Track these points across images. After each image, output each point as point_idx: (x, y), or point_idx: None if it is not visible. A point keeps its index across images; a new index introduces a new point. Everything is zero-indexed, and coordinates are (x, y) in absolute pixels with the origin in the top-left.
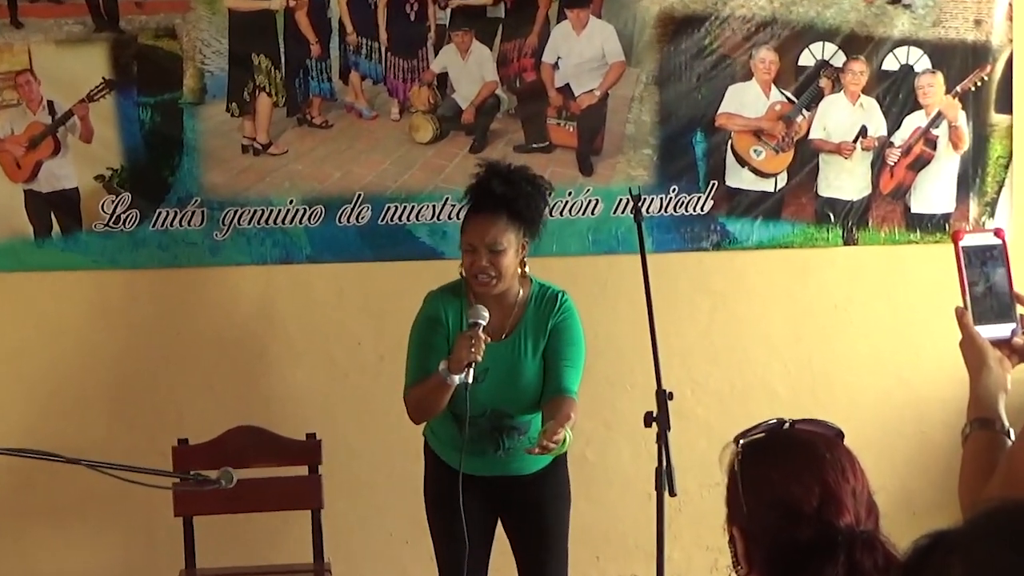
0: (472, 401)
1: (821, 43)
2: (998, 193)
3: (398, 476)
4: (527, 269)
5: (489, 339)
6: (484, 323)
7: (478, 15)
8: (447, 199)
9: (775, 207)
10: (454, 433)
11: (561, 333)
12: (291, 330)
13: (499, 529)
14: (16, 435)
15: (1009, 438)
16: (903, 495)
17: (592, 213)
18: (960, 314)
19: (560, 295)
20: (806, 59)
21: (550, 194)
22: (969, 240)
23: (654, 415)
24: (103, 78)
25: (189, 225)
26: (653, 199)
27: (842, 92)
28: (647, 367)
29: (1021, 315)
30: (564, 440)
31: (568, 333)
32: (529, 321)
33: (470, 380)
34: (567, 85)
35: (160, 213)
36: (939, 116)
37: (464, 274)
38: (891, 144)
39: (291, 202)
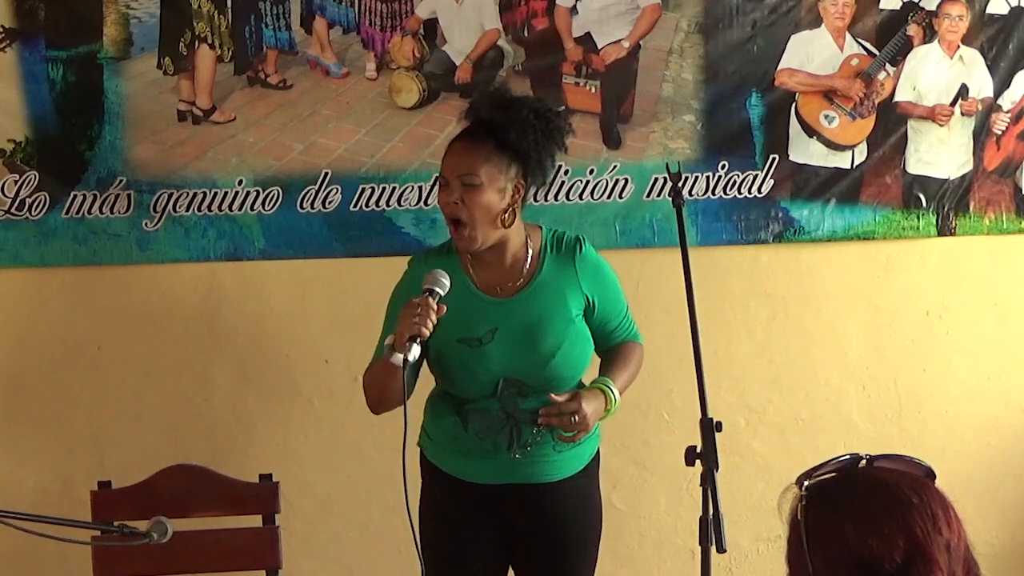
0: (479, 368)
1: None
2: None
3: (375, 529)
4: (519, 215)
5: (444, 309)
6: (442, 293)
7: None
8: (436, 179)
9: (852, 188)
10: (455, 430)
11: (601, 291)
12: (241, 344)
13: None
14: None
15: None
16: (1013, 550)
17: (620, 196)
18: None
19: (578, 241)
20: (889, 0)
21: (566, 136)
22: None
23: (698, 451)
24: (2, 27)
25: (112, 212)
26: (697, 178)
27: (936, 42)
28: (689, 390)
29: None
30: (609, 404)
31: (607, 289)
32: (548, 273)
33: (412, 358)
34: (588, 34)
35: (75, 197)
36: None
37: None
38: (998, 108)
39: (240, 183)
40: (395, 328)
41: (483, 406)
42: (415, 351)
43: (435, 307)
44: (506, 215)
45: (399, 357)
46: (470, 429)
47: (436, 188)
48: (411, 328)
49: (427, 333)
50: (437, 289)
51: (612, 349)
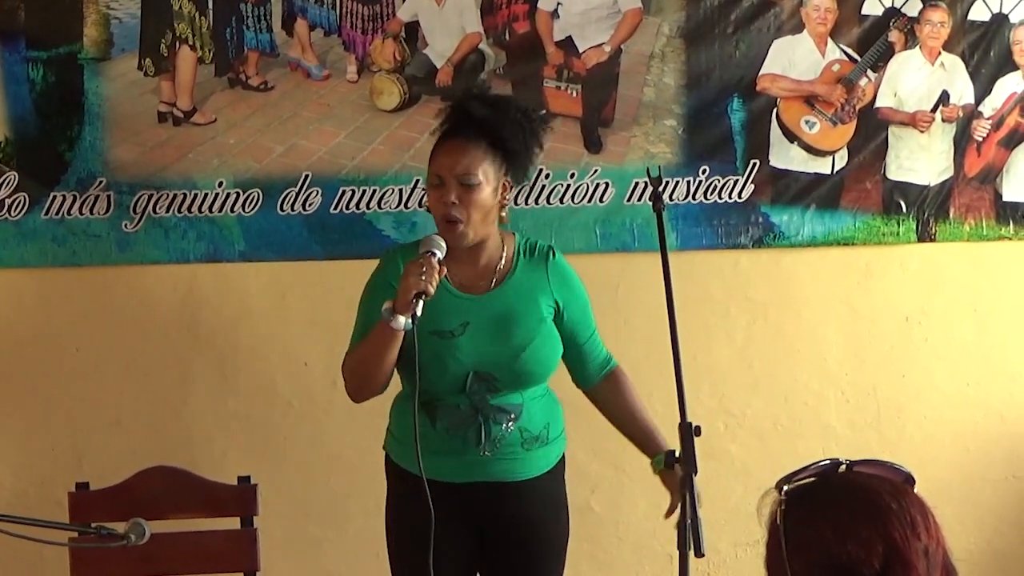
0: (451, 360)
1: None
2: None
3: (355, 532)
4: (505, 213)
5: (445, 270)
6: (440, 254)
7: None
8: (417, 181)
9: (832, 194)
10: (423, 428)
11: (571, 299)
12: (220, 346)
13: None
14: None
15: None
16: (991, 556)
17: (601, 200)
18: None
19: (550, 249)
20: (872, 6)
21: (544, 133)
22: None
23: (677, 455)
24: None
25: (92, 213)
26: (678, 183)
27: (917, 48)
28: (668, 395)
29: None
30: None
31: (577, 299)
32: (521, 275)
33: (418, 314)
34: (569, 38)
35: (55, 198)
36: None
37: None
38: (979, 114)
39: (220, 184)
40: (397, 290)
41: (451, 402)
42: (420, 307)
43: (437, 267)
44: (495, 212)
45: (401, 320)
46: (439, 426)
47: (417, 190)
48: (418, 284)
49: (432, 291)
50: (436, 251)
51: (620, 401)
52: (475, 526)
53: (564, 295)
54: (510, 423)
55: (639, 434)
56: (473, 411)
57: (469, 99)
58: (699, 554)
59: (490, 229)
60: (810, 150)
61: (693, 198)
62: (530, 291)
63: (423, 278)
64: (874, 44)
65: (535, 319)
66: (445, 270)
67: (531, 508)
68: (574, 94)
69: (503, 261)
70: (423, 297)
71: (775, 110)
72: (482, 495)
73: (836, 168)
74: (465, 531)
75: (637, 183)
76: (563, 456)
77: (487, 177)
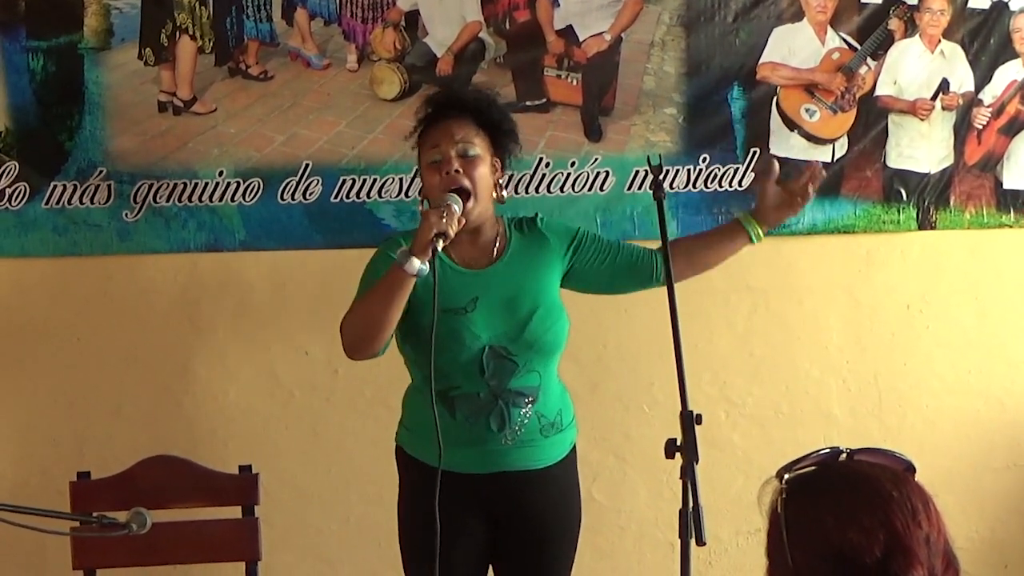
0: (467, 334)
1: None
2: None
3: (356, 521)
4: (506, 193)
5: (464, 220)
6: (458, 209)
7: None
8: (417, 170)
9: (833, 182)
10: (442, 421)
11: (577, 235)
12: (221, 336)
13: None
14: None
15: None
16: (993, 545)
17: (601, 189)
18: None
19: (535, 215)
20: None
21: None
22: None
23: (678, 444)
24: None
25: (92, 203)
26: (678, 171)
27: (917, 36)
28: (669, 383)
29: None
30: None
31: (587, 235)
32: (518, 248)
33: (438, 249)
34: (569, 27)
35: (55, 187)
36: None
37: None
38: (979, 102)
39: (221, 174)
40: (414, 238)
41: (469, 391)
42: (439, 245)
43: (457, 215)
44: (492, 194)
45: (416, 263)
46: (459, 416)
47: (417, 179)
48: (438, 224)
49: (452, 233)
50: (455, 204)
51: (686, 255)
52: (490, 517)
53: (569, 242)
54: (528, 407)
55: (714, 240)
56: (492, 397)
57: (448, 89)
58: (700, 542)
59: (490, 211)
60: (810, 138)
61: (694, 186)
62: (530, 262)
63: (443, 219)
64: (874, 32)
65: (538, 288)
66: (464, 221)
67: (546, 497)
68: (574, 83)
69: (499, 238)
70: (443, 239)
71: (775, 98)
72: (500, 485)
73: (836, 156)
74: (480, 522)
75: (637, 171)
76: (574, 445)
77: (483, 150)
